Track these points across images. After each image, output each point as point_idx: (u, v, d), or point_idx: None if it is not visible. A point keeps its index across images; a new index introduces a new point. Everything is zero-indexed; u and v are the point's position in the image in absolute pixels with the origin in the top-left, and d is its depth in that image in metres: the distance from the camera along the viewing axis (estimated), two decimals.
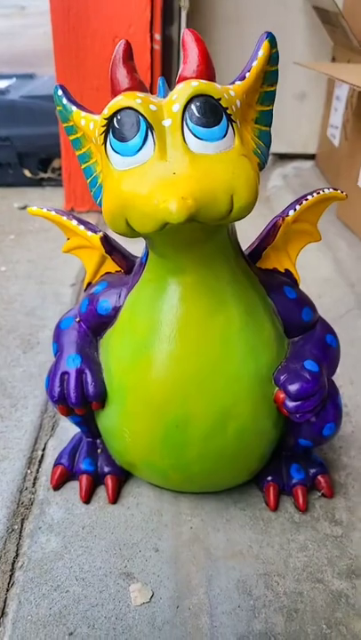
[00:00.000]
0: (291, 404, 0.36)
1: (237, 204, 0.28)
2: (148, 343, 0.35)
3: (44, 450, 0.48)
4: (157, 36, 0.85)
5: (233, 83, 0.32)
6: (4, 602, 0.36)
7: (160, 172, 0.28)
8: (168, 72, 0.91)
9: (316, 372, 0.36)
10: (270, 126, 0.34)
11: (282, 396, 0.36)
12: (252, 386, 0.36)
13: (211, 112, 0.28)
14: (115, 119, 0.29)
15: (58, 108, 0.35)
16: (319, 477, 0.44)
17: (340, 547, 0.40)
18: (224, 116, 0.29)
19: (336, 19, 0.93)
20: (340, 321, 0.68)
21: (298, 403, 0.35)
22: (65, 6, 0.82)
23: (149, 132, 0.28)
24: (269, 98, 0.33)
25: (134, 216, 0.28)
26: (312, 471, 0.44)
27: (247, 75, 0.32)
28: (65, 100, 0.34)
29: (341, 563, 0.39)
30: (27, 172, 1.05)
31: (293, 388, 0.35)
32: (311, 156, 1.25)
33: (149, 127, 0.28)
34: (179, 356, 0.34)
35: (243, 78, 0.32)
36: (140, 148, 0.28)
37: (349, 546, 0.40)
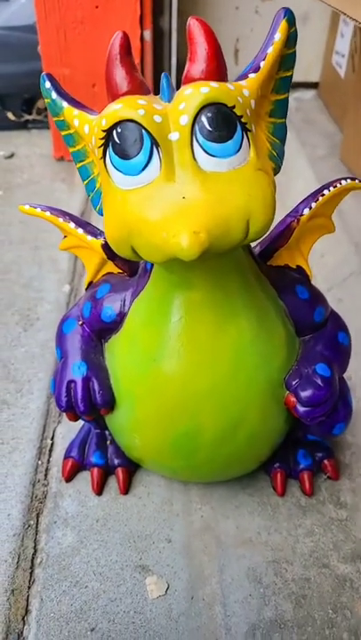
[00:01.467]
0: (302, 409, 0.35)
1: (253, 227, 0.26)
2: (158, 355, 0.33)
3: (52, 438, 0.48)
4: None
5: (245, 75, 0.28)
6: (27, 600, 0.37)
7: (168, 195, 0.25)
8: (160, 67, 0.82)
9: (328, 378, 0.35)
10: (286, 117, 0.31)
11: (293, 400, 0.36)
12: (264, 392, 0.35)
13: (224, 124, 0.25)
14: (114, 132, 0.26)
15: (46, 100, 0.31)
16: (325, 461, 0.45)
17: (345, 530, 0.42)
18: (238, 127, 0.25)
19: None
20: (343, 284, 0.66)
21: (309, 409, 0.35)
22: None
23: (154, 149, 0.25)
24: (285, 84, 0.30)
25: (141, 246, 0.26)
26: (318, 455, 0.45)
27: (262, 64, 0.28)
28: (54, 94, 0.30)
29: (346, 547, 0.41)
30: (10, 115, 0.98)
31: (305, 394, 0.35)
32: (314, 85, 1.16)
33: (154, 143, 0.25)
34: (189, 369, 0.33)
35: (257, 69, 0.28)
36: (145, 167, 0.25)
37: (353, 529, 0.42)
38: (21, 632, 0.36)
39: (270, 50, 0.28)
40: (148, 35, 0.82)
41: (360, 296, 0.64)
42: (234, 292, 0.32)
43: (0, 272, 0.67)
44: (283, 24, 0.27)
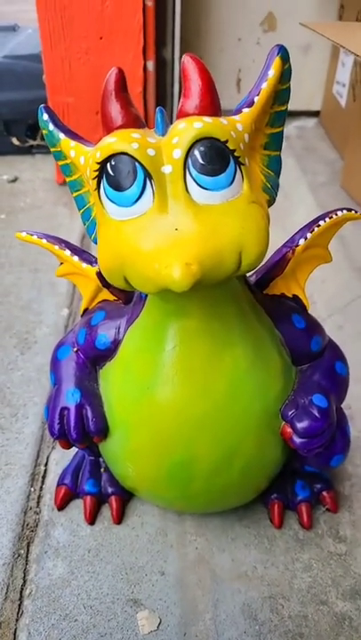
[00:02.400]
0: (298, 440, 0.35)
1: (246, 260, 0.26)
2: (152, 384, 0.33)
3: (46, 464, 0.48)
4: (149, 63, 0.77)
5: (240, 110, 0.28)
6: (14, 633, 0.36)
7: (161, 227, 0.25)
8: (162, 31, 0.84)
9: (324, 409, 0.35)
10: (280, 150, 0.31)
11: (289, 430, 0.35)
12: (259, 422, 0.35)
13: (217, 158, 0.25)
14: (108, 165, 0.26)
15: (44, 132, 0.31)
16: (324, 493, 0.44)
17: (343, 565, 0.41)
18: (231, 161, 0.26)
19: None
20: (344, 310, 0.66)
21: (306, 440, 0.34)
22: None
23: (148, 181, 0.25)
24: (280, 118, 0.30)
25: (133, 276, 0.26)
26: (317, 487, 0.44)
27: (256, 99, 0.28)
28: (51, 126, 0.30)
29: (345, 583, 0.40)
30: (14, 140, 1.00)
31: (301, 425, 0.34)
32: (315, 113, 1.18)
33: (147, 175, 0.25)
34: (183, 398, 0.33)
35: (251, 104, 0.28)
36: (138, 199, 0.26)
37: (353, 564, 0.41)
38: None
39: (264, 85, 0.28)
40: (150, 65, 0.83)
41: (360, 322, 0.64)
42: (229, 321, 0.32)
43: (0, 294, 0.68)
44: (277, 60, 0.28)
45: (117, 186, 0.26)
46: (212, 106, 0.26)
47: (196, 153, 0.25)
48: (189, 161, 0.25)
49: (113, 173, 0.26)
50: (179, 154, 0.25)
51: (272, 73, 0.28)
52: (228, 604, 0.38)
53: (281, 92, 0.29)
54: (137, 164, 0.25)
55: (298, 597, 0.39)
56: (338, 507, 0.44)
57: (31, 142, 1.01)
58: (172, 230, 0.25)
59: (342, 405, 0.39)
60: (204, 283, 0.25)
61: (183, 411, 0.33)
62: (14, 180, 0.95)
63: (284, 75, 0.28)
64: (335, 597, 0.39)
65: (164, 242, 0.25)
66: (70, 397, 0.36)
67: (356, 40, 0.65)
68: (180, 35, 0.91)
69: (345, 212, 0.35)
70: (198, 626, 0.37)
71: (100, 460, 0.44)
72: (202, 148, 0.25)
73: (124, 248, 0.26)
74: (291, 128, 1.14)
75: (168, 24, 0.84)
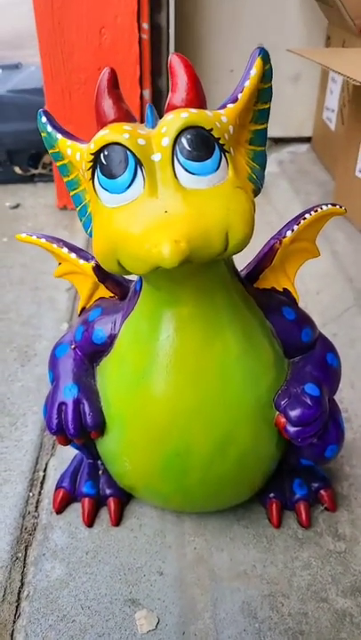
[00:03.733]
0: (292, 429, 0.35)
1: (233, 240, 0.27)
2: (146, 374, 0.34)
3: (45, 470, 0.48)
4: (145, 25, 0.82)
5: (225, 106, 0.30)
6: (12, 635, 0.36)
7: (151, 210, 0.26)
8: (158, 62, 0.88)
9: (317, 397, 0.35)
10: (265, 146, 0.33)
11: (283, 420, 0.35)
12: (253, 411, 0.35)
13: (202, 145, 0.27)
14: (101, 155, 0.27)
15: (42, 134, 0.33)
16: (322, 492, 0.44)
17: (343, 563, 0.40)
18: (216, 148, 0.27)
19: None
20: (338, 320, 0.67)
21: (299, 428, 0.35)
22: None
23: (138, 168, 0.27)
24: (264, 116, 0.32)
25: (126, 258, 0.27)
26: (315, 485, 0.44)
27: (240, 96, 0.30)
28: (50, 128, 0.32)
29: (345, 580, 0.39)
30: (17, 169, 1.03)
31: (294, 413, 0.35)
32: (307, 139, 1.22)
33: (138, 163, 0.27)
34: (177, 387, 0.34)
35: (235, 100, 0.30)
36: (130, 185, 0.27)
37: (353, 561, 0.41)
38: None
39: (247, 83, 0.30)
40: (147, 93, 0.87)
41: (354, 329, 0.65)
42: (220, 309, 0.33)
43: (0, 311, 0.69)
44: (258, 61, 0.30)
45: (110, 174, 0.27)
46: (197, 99, 0.28)
47: (184, 140, 0.27)
48: (177, 148, 0.27)
49: (106, 162, 0.27)
50: (167, 142, 0.27)
51: (254, 72, 0.30)
52: (227, 603, 0.38)
53: (263, 91, 0.31)
54: (128, 152, 0.27)
55: (298, 595, 0.38)
56: (336, 505, 0.44)
57: (33, 171, 1.04)
58: (161, 213, 0.26)
59: (333, 398, 0.39)
60: (192, 260, 0.26)
61: (177, 399, 0.34)
62: (16, 207, 0.97)
63: (266, 74, 0.30)
64: (335, 594, 0.38)
65: (154, 223, 0.26)
66: (68, 393, 0.37)
67: (341, 62, 0.69)
68: None
69: (330, 206, 0.37)
70: (197, 624, 0.37)
71: (99, 462, 0.44)
72: (188, 136, 0.27)
73: (116, 232, 0.27)
74: (284, 153, 1.18)
75: (163, 56, 0.88)
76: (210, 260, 0.27)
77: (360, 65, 0.74)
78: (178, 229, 0.25)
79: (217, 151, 0.27)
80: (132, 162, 0.27)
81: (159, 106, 0.97)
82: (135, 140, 0.27)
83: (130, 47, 0.82)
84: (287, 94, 1.15)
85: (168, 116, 0.28)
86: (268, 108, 0.32)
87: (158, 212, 0.26)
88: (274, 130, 1.20)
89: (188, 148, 0.27)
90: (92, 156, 0.28)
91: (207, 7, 1.07)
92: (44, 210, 0.96)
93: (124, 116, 0.28)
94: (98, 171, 0.28)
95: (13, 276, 0.76)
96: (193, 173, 0.27)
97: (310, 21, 1.08)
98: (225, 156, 0.28)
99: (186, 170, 0.27)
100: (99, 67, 0.83)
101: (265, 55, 0.30)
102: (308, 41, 1.09)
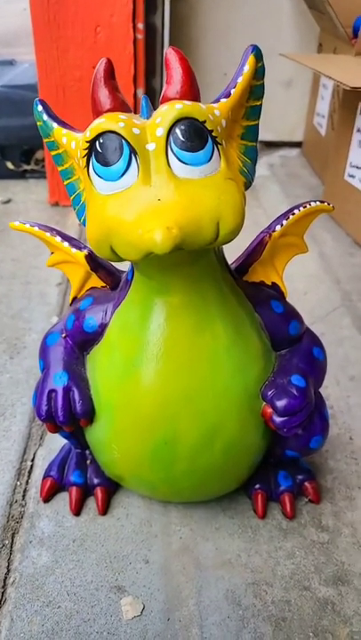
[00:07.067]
0: (278, 419, 0.36)
1: (223, 230, 0.28)
2: (136, 362, 0.34)
3: (33, 460, 0.48)
4: (140, 26, 0.83)
5: (218, 100, 0.31)
6: None
7: (144, 198, 0.27)
8: (152, 62, 0.89)
9: (303, 388, 0.36)
10: (256, 141, 0.34)
11: (269, 411, 0.36)
12: (240, 402, 0.36)
13: (195, 135, 0.28)
14: (97, 142, 0.28)
15: (38, 123, 0.34)
16: (306, 484, 0.45)
17: (326, 553, 0.41)
18: (209, 139, 0.28)
19: (322, 5, 0.91)
20: (325, 319, 0.68)
21: (285, 418, 0.36)
22: None
23: (133, 157, 0.28)
24: (255, 112, 0.33)
25: (119, 244, 0.28)
26: (299, 478, 0.45)
27: (232, 91, 0.31)
28: (45, 117, 0.33)
29: (328, 569, 0.40)
30: (9, 165, 1.03)
31: (281, 403, 0.35)
32: (298, 144, 1.24)
33: (133, 151, 0.27)
34: (166, 375, 0.34)
35: (228, 95, 0.31)
36: (124, 173, 0.28)
37: (335, 552, 0.41)
38: None
39: (240, 79, 0.31)
40: (140, 93, 0.88)
41: (341, 328, 0.66)
42: (210, 299, 0.33)
43: None
44: (251, 58, 0.31)
45: (105, 161, 0.28)
46: (191, 91, 0.29)
47: (177, 131, 0.27)
48: (171, 138, 0.27)
49: (101, 150, 0.28)
50: (161, 132, 0.27)
51: (247, 68, 0.31)
52: (211, 591, 0.38)
53: (256, 88, 0.32)
54: (123, 140, 0.27)
55: (281, 583, 0.39)
56: (320, 497, 0.45)
57: (25, 167, 1.05)
58: (154, 200, 0.27)
59: (319, 391, 0.40)
60: (184, 247, 0.27)
61: (166, 387, 0.34)
62: (7, 202, 0.97)
63: (258, 71, 0.31)
64: (318, 583, 0.39)
65: (147, 210, 0.26)
66: (58, 380, 0.38)
67: (332, 67, 0.70)
68: None
69: (318, 203, 0.38)
70: (182, 611, 0.37)
71: (87, 452, 0.45)
72: (182, 127, 0.27)
73: (110, 218, 0.28)
74: (275, 157, 1.19)
75: (157, 56, 0.89)
76: (201, 249, 0.28)
77: (350, 71, 0.76)
78: (170, 216, 0.26)
79: (210, 143, 0.28)
80: (126, 150, 0.27)
81: (153, 105, 0.98)
82: (130, 129, 0.28)
83: (124, 46, 0.83)
84: (279, 99, 1.17)
85: (163, 107, 0.28)
86: (260, 105, 0.33)
87: (151, 199, 0.27)
88: (266, 134, 1.21)
89: (182, 139, 0.27)
90: (88, 144, 0.28)
91: (202, 11, 1.08)
92: (35, 205, 0.97)
93: (120, 105, 0.29)
94: (93, 158, 0.28)
95: (4, 270, 0.76)
96: (186, 163, 0.27)
97: (302, 29, 1.10)
98: (217, 147, 0.28)
99: (179, 159, 0.27)
100: (93, 64, 0.84)
101: (258, 53, 0.31)
102: (300, 48, 1.11)
